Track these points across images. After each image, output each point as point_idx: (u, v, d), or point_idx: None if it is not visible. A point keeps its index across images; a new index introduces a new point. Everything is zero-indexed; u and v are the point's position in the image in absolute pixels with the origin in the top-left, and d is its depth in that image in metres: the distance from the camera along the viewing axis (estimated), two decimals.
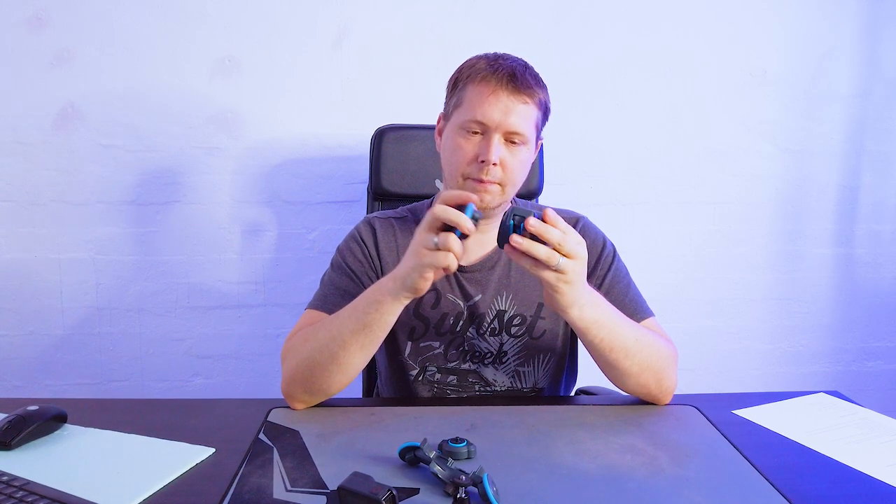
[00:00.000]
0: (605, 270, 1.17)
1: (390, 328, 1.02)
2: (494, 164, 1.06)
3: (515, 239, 0.88)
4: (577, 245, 0.90)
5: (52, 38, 1.86)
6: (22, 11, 1.84)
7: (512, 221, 0.88)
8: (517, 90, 1.06)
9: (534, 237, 0.88)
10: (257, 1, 1.89)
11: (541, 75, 1.12)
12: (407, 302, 0.99)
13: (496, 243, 0.92)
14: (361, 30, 1.93)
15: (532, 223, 0.87)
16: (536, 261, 0.89)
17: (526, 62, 1.12)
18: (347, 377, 1.04)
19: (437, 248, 0.91)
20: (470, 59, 1.13)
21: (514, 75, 1.06)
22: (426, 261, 0.92)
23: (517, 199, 1.27)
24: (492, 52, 1.13)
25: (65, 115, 1.90)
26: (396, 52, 1.94)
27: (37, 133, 1.90)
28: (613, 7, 1.98)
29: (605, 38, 2.00)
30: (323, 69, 1.93)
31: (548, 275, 0.90)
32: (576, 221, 1.22)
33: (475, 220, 0.91)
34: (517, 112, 1.06)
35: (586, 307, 0.96)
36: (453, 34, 1.94)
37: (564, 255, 0.89)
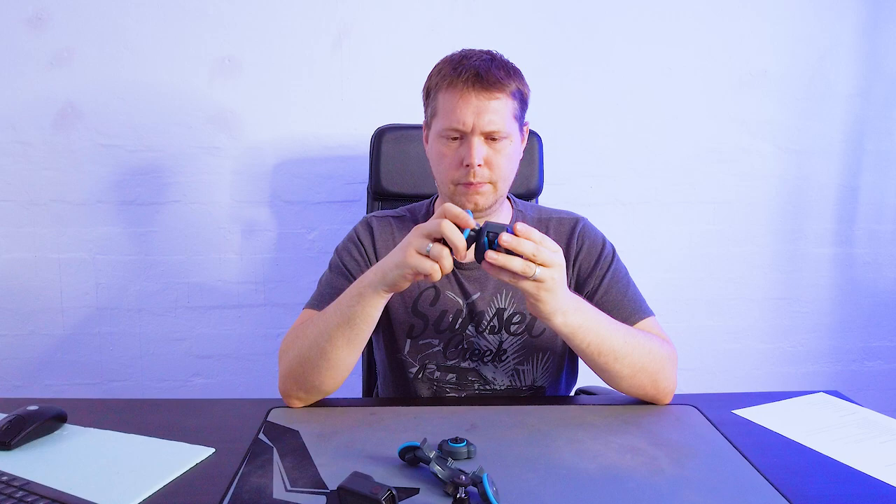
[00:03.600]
0: (604, 271, 1.17)
1: (375, 322, 1.02)
2: (479, 165, 1.06)
3: (490, 255, 0.89)
4: (552, 254, 0.90)
5: (52, 37, 1.86)
6: (22, 11, 1.84)
7: (486, 238, 0.89)
8: (485, 88, 1.05)
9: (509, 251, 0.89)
10: (257, 1, 1.89)
11: (511, 62, 1.11)
12: (387, 297, 1.00)
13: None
14: (361, 30, 1.93)
15: (505, 239, 0.88)
16: (514, 273, 0.89)
17: (493, 54, 1.11)
18: (339, 373, 1.04)
19: (427, 256, 0.91)
20: (437, 65, 1.12)
21: (478, 74, 1.05)
22: (412, 262, 0.92)
23: (516, 199, 1.27)
24: (458, 51, 1.12)
25: (64, 115, 1.90)
26: (396, 52, 1.94)
27: (37, 133, 1.90)
28: (613, 7, 1.98)
29: (604, 38, 2.00)
30: (323, 69, 1.93)
31: (527, 285, 0.91)
32: (575, 223, 1.22)
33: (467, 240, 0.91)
34: (490, 110, 1.06)
35: (569, 313, 0.96)
36: (453, 34, 1.94)
37: (540, 265, 0.89)
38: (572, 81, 2.00)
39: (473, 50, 1.11)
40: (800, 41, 2.06)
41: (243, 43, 1.91)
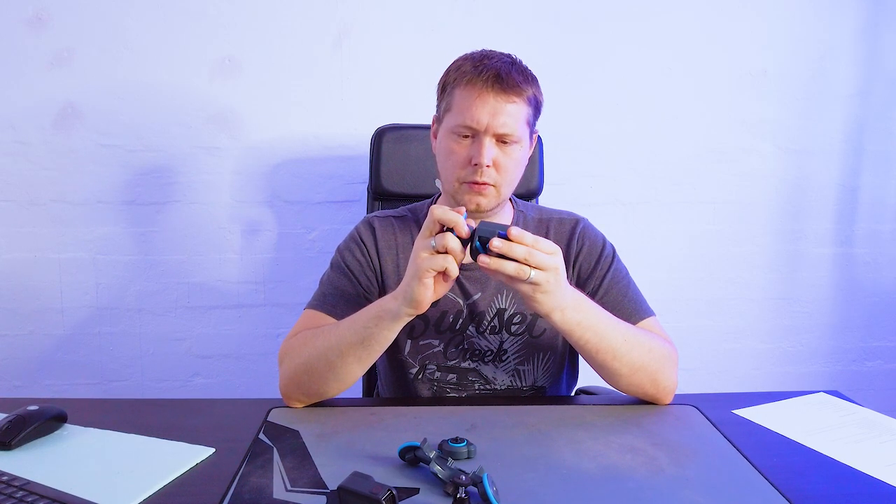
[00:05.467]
0: (604, 271, 1.17)
1: (389, 344, 1.02)
2: (488, 165, 1.06)
3: (483, 259, 0.89)
4: (547, 257, 0.89)
5: (52, 38, 1.86)
6: (22, 11, 1.84)
7: (478, 243, 0.89)
8: (503, 91, 1.05)
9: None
10: (257, 1, 1.89)
11: (529, 68, 1.11)
12: (409, 319, 0.99)
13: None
14: (361, 30, 1.93)
15: (495, 244, 0.87)
16: (509, 276, 0.89)
17: (513, 58, 1.11)
18: (345, 384, 1.05)
19: (435, 251, 0.91)
20: (456, 61, 1.12)
21: (499, 76, 1.05)
22: (424, 265, 0.92)
23: (517, 200, 1.27)
24: (478, 50, 1.12)
25: (65, 115, 1.89)
26: (396, 52, 1.94)
27: (37, 133, 1.90)
28: (613, 7, 1.98)
29: (605, 38, 2.00)
30: (323, 69, 1.93)
31: (523, 287, 0.91)
32: (575, 223, 1.22)
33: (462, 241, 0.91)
34: (505, 112, 1.06)
35: (567, 311, 0.96)
36: (453, 34, 1.94)
37: (535, 268, 0.89)
38: (572, 81, 2.00)
39: (494, 51, 1.11)
40: (800, 41, 2.06)
41: (243, 43, 1.90)
